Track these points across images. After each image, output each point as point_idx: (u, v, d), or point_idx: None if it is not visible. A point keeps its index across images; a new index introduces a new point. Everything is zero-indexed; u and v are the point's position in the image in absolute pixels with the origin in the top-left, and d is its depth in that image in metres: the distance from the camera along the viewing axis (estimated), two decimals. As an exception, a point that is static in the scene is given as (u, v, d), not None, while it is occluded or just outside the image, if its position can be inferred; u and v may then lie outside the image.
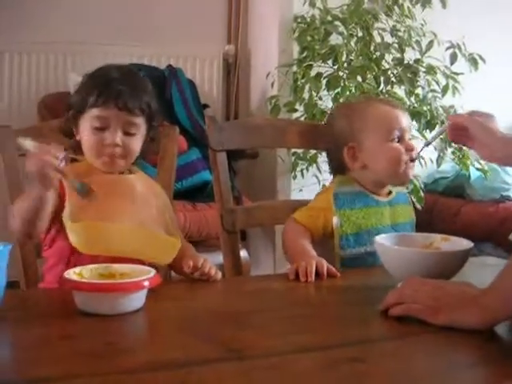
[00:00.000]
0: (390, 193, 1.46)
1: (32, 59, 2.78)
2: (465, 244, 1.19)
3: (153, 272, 1.03)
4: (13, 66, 2.76)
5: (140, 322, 0.95)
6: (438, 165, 2.62)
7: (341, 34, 2.47)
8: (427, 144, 1.42)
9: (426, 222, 2.75)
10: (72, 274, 1.02)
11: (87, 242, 1.16)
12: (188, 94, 2.72)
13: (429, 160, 2.59)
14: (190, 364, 0.75)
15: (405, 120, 1.41)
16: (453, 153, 2.66)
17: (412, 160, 1.38)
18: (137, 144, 1.30)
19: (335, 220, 1.35)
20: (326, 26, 2.43)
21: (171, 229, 1.29)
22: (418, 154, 1.38)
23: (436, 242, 1.25)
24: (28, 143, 1.10)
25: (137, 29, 2.93)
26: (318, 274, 1.21)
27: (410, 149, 1.38)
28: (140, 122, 1.29)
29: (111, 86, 1.26)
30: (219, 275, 1.21)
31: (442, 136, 2.62)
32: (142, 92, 1.30)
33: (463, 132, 1.23)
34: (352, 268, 1.32)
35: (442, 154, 2.59)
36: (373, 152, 1.38)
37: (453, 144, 2.67)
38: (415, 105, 2.71)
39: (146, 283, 1.00)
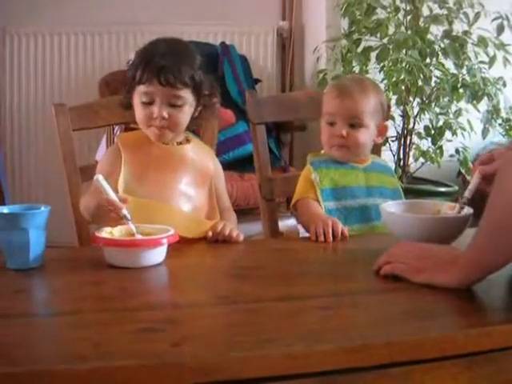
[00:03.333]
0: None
1: (95, 39, 2.99)
2: (465, 210, 1.27)
3: (171, 231, 1.18)
4: (78, 46, 2.98)
5: (155, 274, 1.10)
6: (484, 137, 2.64)
7: (384, 7, 2.51)
8: (463, 203, 1.25)
9: (479, 193, 2.76)
10: (103, 232, 1.19)
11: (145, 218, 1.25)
12: (239, 69, 2.85)
13: (472, 131, 2.61)
14: (181, 306, 0.90)
15: (349, 108, 1.51)
16: (499, 125, 2.66)
17: (341, 145, 1.51)
18: (184, 115, 1.38)
19: (313, 176, 1.50)
20: (369, 0, 2.48)
21: (212, 197, 1.43)
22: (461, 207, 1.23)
23: (443, 209, 1.34)
24: (105, 184, 1.21)
25: (194, 7, 3.08)
26: (333, 234, 1.33)
27: (335, 134, 1.51)
28: (185, 94, 1.36)
29: (154, 61, 1.35)
30: (241, 237, 1.34)
31: (489, 108, 2.64)
32: (186, 65, 1.37)
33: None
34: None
35: (487, 126, 2.60)
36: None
37: (501, 114, 2.68)
38: (465, 77, 2.73)
39: (164, 240, 1.15)
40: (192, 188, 1.41)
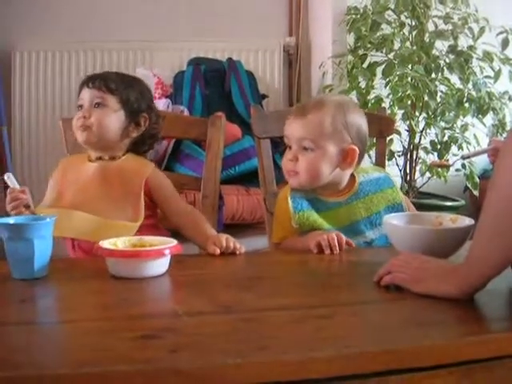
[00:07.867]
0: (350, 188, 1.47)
1: (104, 56, 3.03)
2: (466, 222, 1.28)
3: (174, 242, 1.19)
4: (87, 63, 3.03)
5: (157, 284, 1.11)
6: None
7: (389, 23, 2.54)
8: (464, 157, 1.32)
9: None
10: (107, 243, 1.20)
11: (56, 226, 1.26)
12: (246, 85, 2.88)
13: (478, 145, 2.62)
14: (181, 315, 0.91)
15: (298, 130, 1.41)
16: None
17: (293, 171, 1.41)
18: (107, 117, 1.47)
19: (293, 223, 1.43)
20: (374, 17, 2.51)
21: (139, 209, 1.44)
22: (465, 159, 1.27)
23: (445, 221, 1.34)
24: (11, 181, 1.35)
25: (202, 24, 3.12)
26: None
27: (287, 158, 1.42)
28: (109, 99, 1.48)
29: (88, 75, 1.54)
30: (243, 249, 1.35)
31: (495, 122, 2.65)
32: (117, 79, 1.52)
33: None
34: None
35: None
36: None
37: (506, 128, 2.69)
38: (471, 91, 2.74)
39: (167, 251, 1.16)
40: (118, 197, 1.44)
